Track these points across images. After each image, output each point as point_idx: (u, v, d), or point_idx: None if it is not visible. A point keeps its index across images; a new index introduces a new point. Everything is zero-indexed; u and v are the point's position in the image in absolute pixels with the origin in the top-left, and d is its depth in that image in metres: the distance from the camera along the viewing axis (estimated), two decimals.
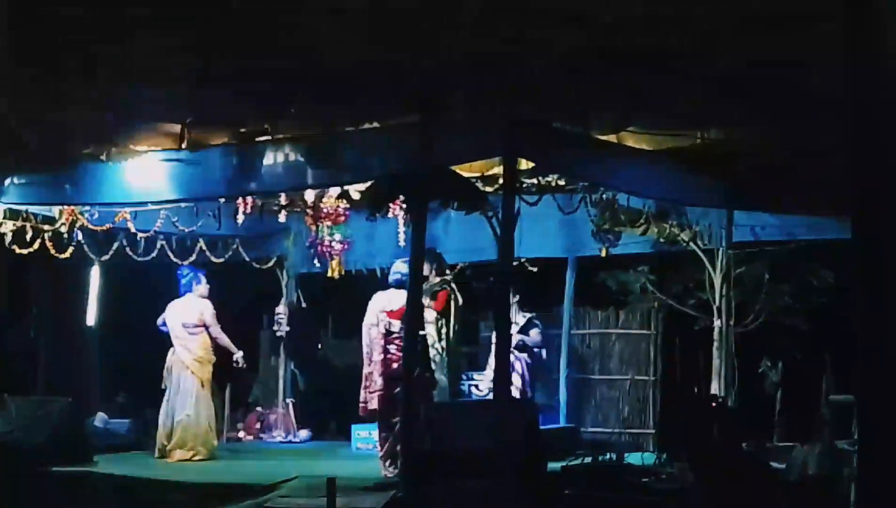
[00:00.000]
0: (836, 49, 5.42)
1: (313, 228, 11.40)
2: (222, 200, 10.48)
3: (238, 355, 10.98)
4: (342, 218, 11.21)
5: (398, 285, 9.57)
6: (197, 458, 10.54)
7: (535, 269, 12.27)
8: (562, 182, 10.06)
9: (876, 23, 5.14)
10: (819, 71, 6.98)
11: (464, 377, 11.78)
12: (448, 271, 10.18)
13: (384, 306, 9.68)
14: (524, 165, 9.15)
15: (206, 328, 10.84)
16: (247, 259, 12.59)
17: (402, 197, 8.91)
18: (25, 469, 9.14)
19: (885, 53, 5.12)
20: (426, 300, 9.69)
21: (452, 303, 9.96)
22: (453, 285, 9.99)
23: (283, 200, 11.00)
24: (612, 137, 8.87)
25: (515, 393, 10.39)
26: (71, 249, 10.71)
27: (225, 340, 10.92)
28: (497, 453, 7.58)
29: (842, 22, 5.45)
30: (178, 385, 10.73)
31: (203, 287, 11.04)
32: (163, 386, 10.79)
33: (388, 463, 9.36)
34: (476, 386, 11.68)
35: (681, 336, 11.80)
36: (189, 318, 10.85)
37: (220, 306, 11.09)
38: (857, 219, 5.23)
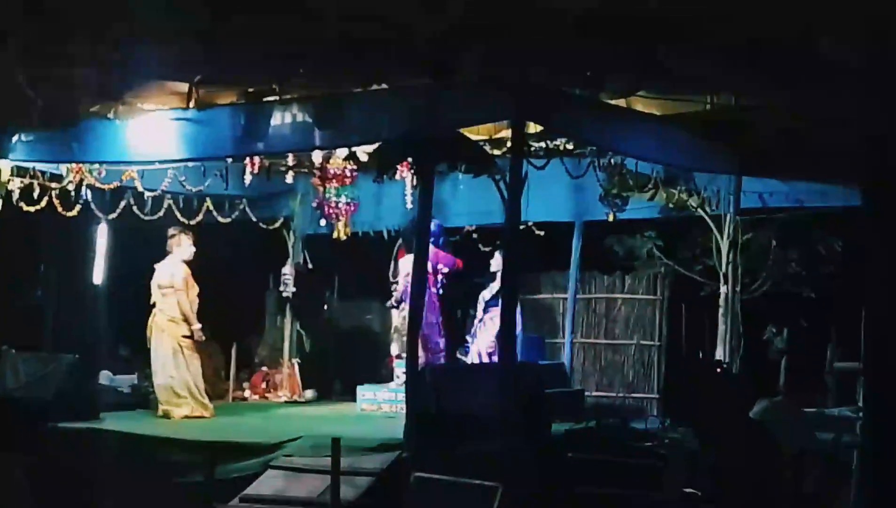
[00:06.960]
0: (852, 16, 5.37)
1: (320, 189, 11.37)
2: (229, 159, 10.46)
3: (195, 327, 10.72)
4: (349, 179, 11.19)
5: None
6: (196, 415, 10.58)
7: (542, 232, 12.27)
8: (570, 146, 10.02)
9: None
10: (833, 38, 6.93)
11: (469, 338, 11.81)
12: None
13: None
14: (532, 128, 9.11)
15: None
16: (253, 219, 12.55)
17: (410, 159, 8.89)
18: (32, 426, 9.19)
19: None
20: None
21: None
22: None
23: (290, 160, 10.98)
24: (621, 102, 8.83)
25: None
26: (78, 207, 10.69)
27: (186, 308, 10.68)
28: (501, 415, 7.60)
29: None
30: (156, 347, 10.70)
31: (186, 249, 10.90)
32: (148, 346, 10.82)
33: None
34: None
35: (687, 302, 11.82)
36: (163, 279, 10.79)
37: (226, 266, 11.00)
38: (867, 187, 5.21)
